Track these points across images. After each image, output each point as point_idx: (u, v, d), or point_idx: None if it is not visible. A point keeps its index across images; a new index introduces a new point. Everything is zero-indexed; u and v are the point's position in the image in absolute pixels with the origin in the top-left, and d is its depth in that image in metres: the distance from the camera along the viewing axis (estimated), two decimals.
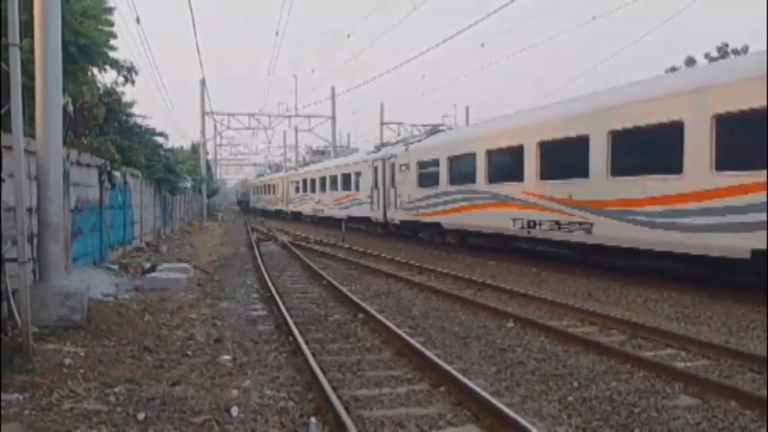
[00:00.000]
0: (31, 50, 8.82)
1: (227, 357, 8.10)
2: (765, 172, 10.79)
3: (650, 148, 13.62)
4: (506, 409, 5.52)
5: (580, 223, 15.49)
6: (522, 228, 17.88)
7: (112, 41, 12.62)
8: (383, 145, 36.34)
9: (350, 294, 12.49)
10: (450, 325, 10.26)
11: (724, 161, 11.76)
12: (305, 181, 48.33)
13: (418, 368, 7.54)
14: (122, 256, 18.67)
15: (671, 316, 10.99)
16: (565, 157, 16.30)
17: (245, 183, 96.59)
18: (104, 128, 17.16)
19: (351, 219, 35.22)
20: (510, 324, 10.24)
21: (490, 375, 7.38)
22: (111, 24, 12.67)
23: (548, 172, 17.01)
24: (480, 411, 5.85)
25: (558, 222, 16.36)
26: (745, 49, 32.75)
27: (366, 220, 33.09)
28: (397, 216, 28.20)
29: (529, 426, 5.13)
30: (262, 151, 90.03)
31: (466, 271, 17.01)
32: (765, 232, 10.78)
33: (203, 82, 54.63)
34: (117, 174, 17.74)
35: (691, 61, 35.60)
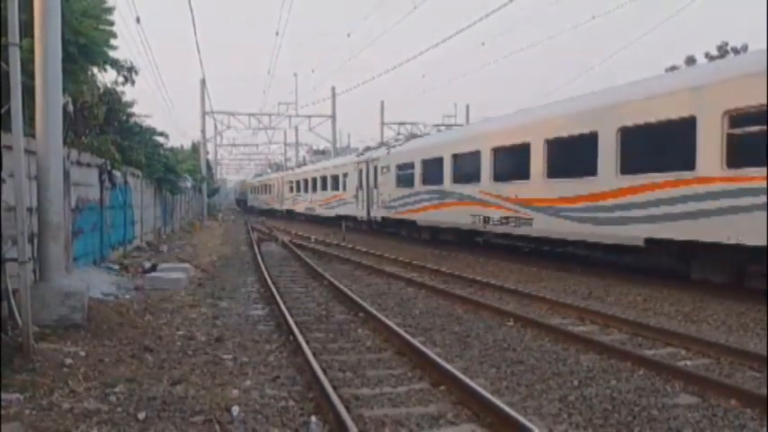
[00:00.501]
0: (31, 50, 8.80)
1: (227, 357, 8.10)
2: (654, 174, 13.51)
3: (574, 154, 16.11)
4: (507, 408, 5.53)
5: (523, 218, 18.18)
6: (480, 223, 20.67)
7: (112, 41, 12.60)
8: (368, 148, 38.60)
9: (350, 294, 12.49)
10: (450, 324, 10.27)
11: (626, 166, 14.42)
12: (297, 182, 51.60)
13: (419, 367, 7.54)
14: (123, 256, 18.67)
15: (671, 314, 10.99)
16: (512, 162, 18.95)
17: (243, 183, 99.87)
18: (105, 127, 17.15)
19: (338, 217, 37.47)
20: (510, 323, 10.25)
21: (491, 374, 7.39)
22: (112, 24, 12.65)
23: (499, 174, 19.74)
24: (481, 410, 5.85)
25: (507, 218, 19.09)
26: (746, 48, 32.71)
27: (353, 218, 35.36)
28: (378, 214, 31.03)
29: (529, 425, 5.14)
30: (262, 151, 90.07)
31: (466, 270, 17.01)
32: (656, 225, 13.48)
33: (203, 81, 54.65)
34: (117, 173, 17.74)
35: (691, 61, 35.58)
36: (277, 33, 69.63)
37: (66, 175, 11.80)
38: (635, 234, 13.99)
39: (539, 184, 17.49)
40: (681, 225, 12.80)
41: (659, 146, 13.57)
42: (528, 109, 20.06)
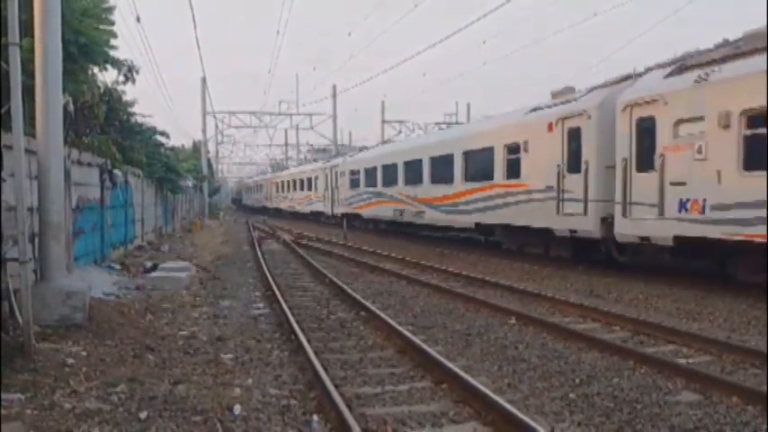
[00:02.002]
0: (31, 49, 8.79)
1: (229, 356, 8.10)
2: (478, 183, 21.23)
3: (444, 168, 23.98)
4: (509, 407, 5.52)
5: (420, 212, 26.27)
6: (398, 215, 28.66)
7: (113, 41, 12.61)
8: (337, 155, 48.66)
9: (352, 292, 12.49)
10: (452, 322, 10.26)
11: (470, 176, 22.18)
12: (282, 183, 60.23)
13: (420, 366, 7.53)
14: (124, 256, 18.66)
15: (673, 312, 10.98)
16: (414, 172, 27.06)
17: (239, 183, 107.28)
18: (105, 127, 17.14)
19: (312, 213, 46.82)
20: (512, 321, 10.24)
21: (492, 373, 7.38)
22: (112, 23, 12.66)
23: (407, 180, 27.86)
24: (482, 409, 5.84)
25: (411, 211, 27.29)
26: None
27: (322, 213, 43.92)
28: (338, 210, 38.80)
29: (532, 423, 5.13)
30: (263, 150, 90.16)
31: (468, 269, 17.00)
32: (479, 214, 21.15)
33: (204, 80, 54.68)
34: (118, 173, 17.73)
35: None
36: (278, 32, 69.61)
37: (67, 174, 11.78)
38: (470, 220, 21.85)
39: (427, 188, 25.68)
40: (489, 214, 20.55)
41: (480, 164, 21.40)
42: (422, 135, 33.87)
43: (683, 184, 12.96)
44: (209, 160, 64.82)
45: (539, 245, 18.70)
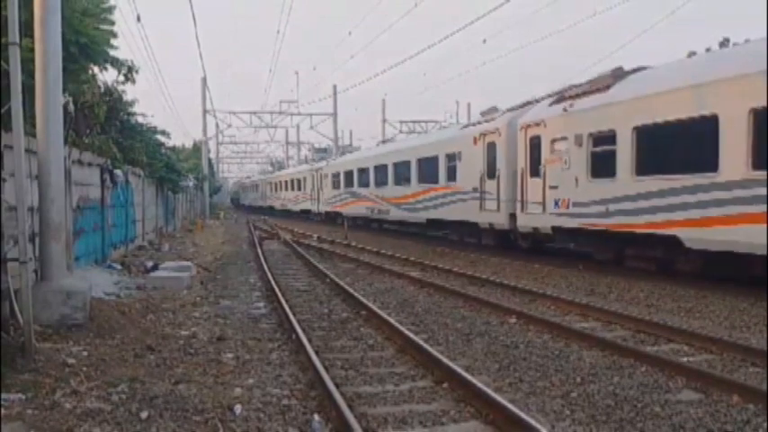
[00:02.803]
0: (32, 49, 8.79)
1: (229, 355, 8.10)
2: (429, 185, 25.68)
3: (404, 172, 28.35)
4: (509, 405, 5.52)
5: (387, 209, 30.72)
6: (370, 212, 33.47)
7: (113, 40, 12.62)
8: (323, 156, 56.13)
9: (352, 291, 12.50)
10: (452, 322, 10.26)
11: (422, 179, 26.42)
12: (275, 183, 65.68)
13: (421, 365, 7.54)
14: (124, 255, 18.68)
15: (673, 311, 10.98)
16: (381, 175, 31.59)
17: (237, 183, 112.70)
18: (106, 127, 17.13)
19: (301, 211, 51.66)
20: (513, 320, 10.24)
21: (493, 372, 7.38)
22: (112, 23, 12.66)
23: (377, 182, 32.13)
24: (483, 408, 5.84)
25: (380, 209, 31.76)
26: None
27: (309, 211, 48.72)
28: (323, 209, 44.17)
29: (532, 422, 5.13)
30: (264, 149, 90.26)
31: (469, 268, 17.01)
32: (429, 211, 25.61)
33: (204, 80, 54.68)
34: (118, 172, 17.72)
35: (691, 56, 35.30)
36: (278, 31, 69.57)
37: (68, 174, 11.79)
38: (423, 217, 26.40)
39: (391, 190, 29.90)
40: (436, 211, 24.95)
41: (429, 170, 25.55)
42: (388, 143, 38.73)
43: (556, 187, 17.15)
44: (209, 160, 64.84)
45: (474, 236, 22.99)
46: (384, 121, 53.02)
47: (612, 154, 15.04)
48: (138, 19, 22.17)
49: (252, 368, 7.53)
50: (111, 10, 12.87)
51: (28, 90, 8.62)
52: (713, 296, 12.01)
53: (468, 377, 6.47)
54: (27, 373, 6.68)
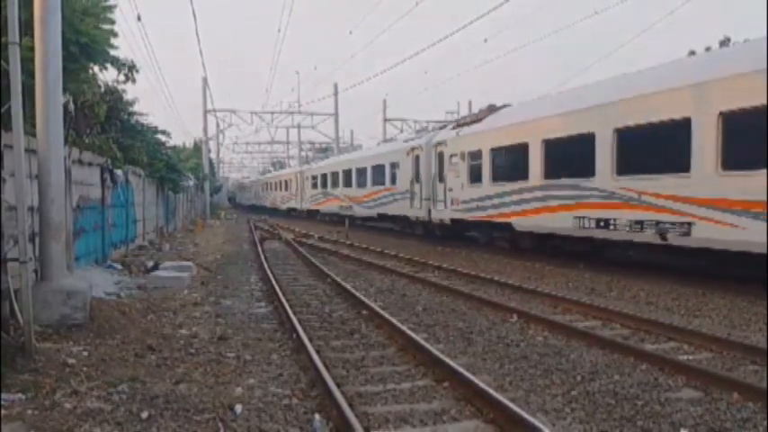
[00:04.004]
0: (31, 49, 8.78)
1: (230, 355, 8.10)
2: (376, 186, 32.34)
3: (363, 176, 34.16)
4: (510, 404, 5.52)
5: (351, 206, 36.43)
6: (339, 209, 39.07)
7: (113, 40, 12.60)
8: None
9: (354, 291, 12.50)
10: (453, 320, 10.26)
11: (375, 182, 32.01)
12: (266, 184, 73.43)
13: (422, 364, 7.54)
14: (125, 255, 18.67)
15: (673, 309, 10.99)
16: (347, 178, 37.63)
17: (234, 184, 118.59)
18: (106, 126, 17.13)
19: (288, 209, 57.48)
20: (513, 319, 10.24)
21: (494, 370, 7.38)
22: (112, 22, 12.64)
23: (345, 184, 38.18)
24: (484, 406, 5.84)
25: (346, 207, 37.47)
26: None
27: (295, 209, 54.42)
28: (305, 206, 50.32)
29: (533, 420, 5.13)
30: (264, 149, 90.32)
31: (469, 267, 17.02)
32: (378, 208, 31.65)
33: (205, 80, 54.65)
34: (119, 172, 17.73)
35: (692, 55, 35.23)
36: (279, 31, 69.58)
37: (68, 174, 11.79)
38: (375, 212, 32.30)
39: (354, 190, 35.98)
40: (383, 207, 30.79)
41: (379, 175, 31.42)
42: (354, 153, 47.24)
43: (452, 190, 23.37)
44: (210, 159, 64.84)
45: (408, 226, 29.79)
46: (385, 120, 52.95)
47: (480, 167, 21.16)
48: (139, 18, 22.25)
49: (253, 368, 7.53)
50: (111, 9, 12.84)
51: (28, 90, 8.62)
52: (713, 295, 12.02)
53: (469, 376, 6.47)
54: (27, 373, 6.69)
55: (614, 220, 14.68)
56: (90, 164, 15.09)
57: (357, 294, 12.07)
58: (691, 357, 7.75)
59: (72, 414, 5.65)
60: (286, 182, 59.01)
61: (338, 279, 14.34)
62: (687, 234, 12.71)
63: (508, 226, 19.39)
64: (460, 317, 10.57)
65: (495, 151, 20.21)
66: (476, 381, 6.28)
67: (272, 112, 60.62)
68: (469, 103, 55.14)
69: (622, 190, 14.42)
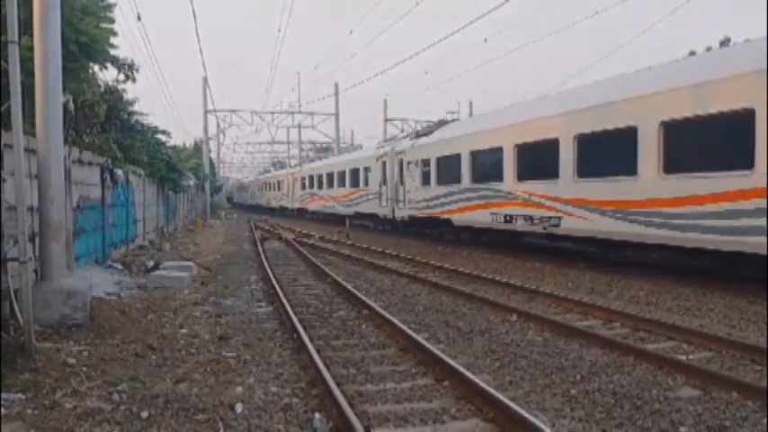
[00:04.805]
0: (31, 48, 8.77)
1: (231, 355, 8.10)
2: (353, 188, 37.02)
3: (341, 179, 38.99)
4: (510, 403, 5.52)
5: (333, 205, 40.71)
6: (323, 208, 44.04)
7: (113, 39, 12.58)
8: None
9: (354, 290, 12.49)
10: (454, 320, 10.26)
11: (351, 184, 36.77)
12: (261, 184, 79.70)
13: (422, 363, 7.54)
14: (125, 255, 18.68)
15: (673, 309, 10.99)
16: (329, 180, 42.10)
17: (231, 184, 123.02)
18: (106, 126, 17.11)
19: (280, 207, 62.20)
20: (513, 318, 10.25)
21: (494, 369, 7.39)
22: (112, 21, 12.62)
23: (329, 185, 42.16)
24: (484, 405, 5.85)
25: (329, 206, 42.04)
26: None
27: (286, 208, 59.03)
28: (294, 206, 55.26)
29: (533, 419, 5.14)
30: (265, 149, 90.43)
31: (470, 267, 17.02)
32: (353, 207, 36.51)
33: (205, 79, 54.67)
34: (119, 172, 17.72)
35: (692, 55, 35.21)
36: (279, 30, 69.59)
37: (68, 173, 11.79)
38: (352, 210, 35.79)
39: (336, 191, 40.28)
40: (358, 206, 34.79)
41: (355, 178, 35.45)
42: (333, 157, 50.99)
43: (409, 191, 27.37)
44: (210, 159, 64.86)
45: (378, 223, 34.02)
46: (386, 120, 52.93)
47: (429, 172, 25.29)
48: (139, 18, 22.24)
49: (253, 367, 7.53)
50: (111, 8, 12.82)
51: (28, 89, 8.62)
52: (712, 294, 12.02)
53: (469, 375, 6.47)
54: (27, 373, 6.69)
55: (515, 215, 18.91)
56: (90, 163, 15.09)
57: (358, 294, 12.07)
58: (690, 356, 7.75)
59: (72, 414, 5.65)
60: (279, 183, 64.15)
61: (339, 279, 14.34)
62: (557, 226, 16.86)
63: (449, 222, 23.71)
64: (460, 316, 10.57)
65: (439, 159, 24.55)
66: (476, 380, 6.28)
67: (273, 112, 60.68)
68: (470, 104, 55.16)
69: (519, 192, 18.63)
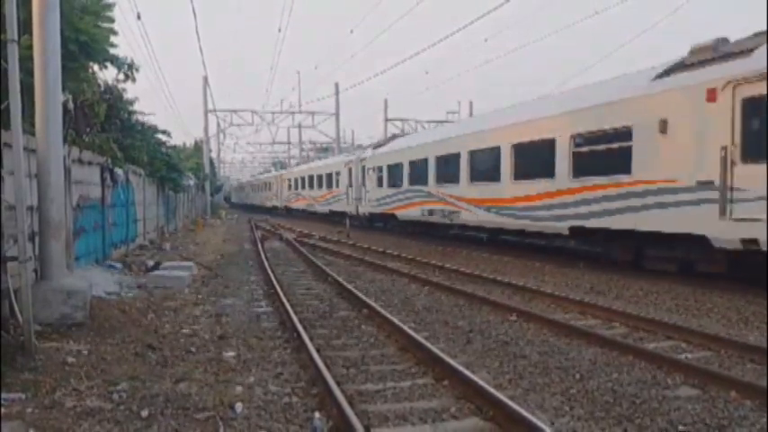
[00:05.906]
0: (30, 47, 8.78)
1: (231, 354, 8.10)
2: (328, 189, 43.70)
3: (318, 181, 45.45)
4: (509, 402, 5.53)
5: (313, 204, 46.96)
6: (306, 207, 49.36)
7: (113, 38, 12.58)
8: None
9: (354, 290, 12.50)
10: (453, 319, 10.27)
11: (327, 186, 43.18)
12: (255, 185, 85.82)
13: (422, 362, 7.55)
14: (125, 254, 18.69)
15: (672, 308, 10.99)
16: (309, 182, 48.12)
17: (230, 185, 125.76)
18: (106, 125, 17.12)
19: (271, 206, 67.03)
20: (513, 318, 10.25)
21: (493, 369, 7.39)
22: (112, 20, 12.62)
23: (310, 186, 47.62)
24: (483, 404, 5.85)
25: (312, 205, 47.42)
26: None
27: (276, 207, 63.87)
28: (282, 205, 60.09)
29: (532, 418, 5.14)
30: (265, 149, 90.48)
31: (469, 266, 17.02)
32: (331, 205, 42.49)
33: (206, 79, 54.67)
34: (119, 171, 17.73)
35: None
36: (279, 30, 69.62)
37: (67, 173, 11.80)
38: (327, 209, 42.80)
39: (315, 192, 45.52)
40: (331, 205, 41.62)
41: (329, 181, 42.20)
42: (314, 161, 57.60)
43: (369, 191, 32.71)
44: (210, 159, 64.89)
45: (350, 219, 35.13)
46: (386, 120, 52.92)
47: (382, 177, 30.85)
48: (139, 17, 22.25)
49: (253, 366, 7.53)
50: (110, 7, 12.81)
51: (27, 88, 8.62)
52: (712, 294, 12.03)
53: (469, 374, 6.48)
54: (27, 372, 6.70)
55: (434, 210, 24.80)
56: (90, 163, 15.10)
57: (357, 293, 12.08)
58: (689, 356, 7.76)
59: (72, 413, 5.66)
60: (269, 183, 70.98)
61: (338, 278, 14.35)
62: (458, 217, 22.73)
63: (395, 216, 29.40)
64: (460, 316, 10.58)
65: (389, 167, 30.25)
66: (475, 379, 6.29)
67: (273, 112, 60.68)
68: (470, 103, 55.20)
69: (437, 192, 24.51)
